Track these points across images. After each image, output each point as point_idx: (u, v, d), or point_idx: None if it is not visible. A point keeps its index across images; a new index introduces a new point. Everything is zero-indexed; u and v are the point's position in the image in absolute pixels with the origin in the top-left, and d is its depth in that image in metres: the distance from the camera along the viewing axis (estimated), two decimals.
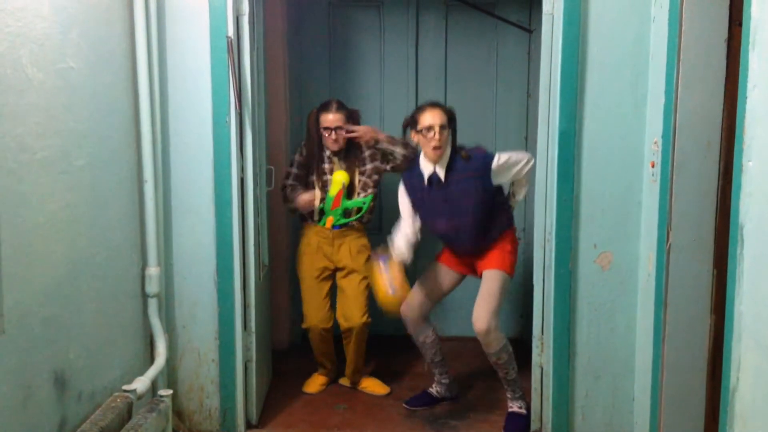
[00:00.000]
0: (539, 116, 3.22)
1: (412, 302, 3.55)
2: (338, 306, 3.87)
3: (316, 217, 3.78)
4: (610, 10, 3.01)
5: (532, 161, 3.40)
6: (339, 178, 3.68)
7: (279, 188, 3.87)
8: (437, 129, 3.27)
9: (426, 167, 3.40)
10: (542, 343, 3.31)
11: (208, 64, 3.13)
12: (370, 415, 3.68)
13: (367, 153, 3.75)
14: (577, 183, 3.11)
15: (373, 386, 4.02)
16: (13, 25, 2.12)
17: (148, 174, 3.05)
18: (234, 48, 3.13)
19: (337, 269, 3.85)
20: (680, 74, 2.66)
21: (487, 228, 3.43)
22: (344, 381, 4.07)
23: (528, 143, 4.60)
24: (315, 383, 3.97)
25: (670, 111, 2.73)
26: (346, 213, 3.75)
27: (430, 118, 3.29)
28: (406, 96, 4.65)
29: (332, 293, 3.90)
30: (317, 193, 3.74)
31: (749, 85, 2.06)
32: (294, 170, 3.83)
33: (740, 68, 2.13)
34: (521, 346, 4.51)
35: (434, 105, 3.36)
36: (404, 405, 3.76)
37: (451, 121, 3.37)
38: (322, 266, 3.82)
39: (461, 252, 3.53)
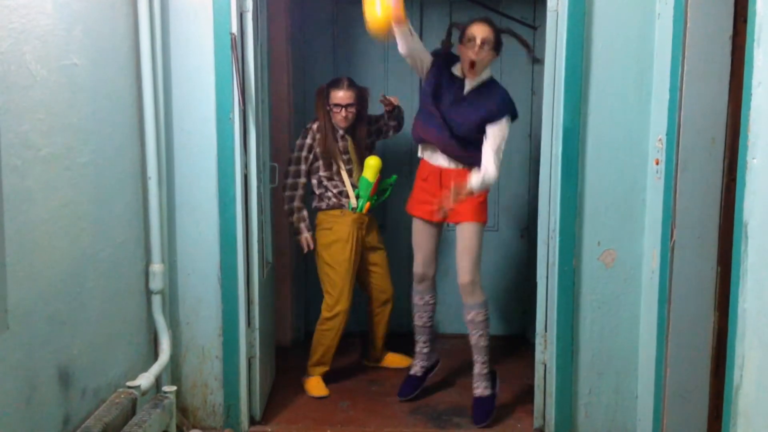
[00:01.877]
0: (543, 113, 3.22)
1: (424, 258, 3.67)
2: (373, 282, 4.04)
3: (353, 204, 3.82)
4: (615, 6, 3.01)
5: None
6: (374, 162, 3.80)
7: (282, 190, 3.86)
8: (478, 42, 3.26)
9: (457, 69, 3.43)
10: (545, 340, 3.31)
11: (211, 60, 3.13)
12: (374, 412, 3.68)
13: (369, 128, 3.96)
14: (581, 180, 3.11)
15: (397, 360, 4.24)
16: (16, 21, 2.12)
17: (152, 170, 3.05)
18: (238, 45, 3.13)
19: (364, 249, 3.97)
20: (685, 71, 2.66)
21: (464, 150, 3.42)
22: (368, 362, 4.28)
23: (532, 141, 4.60)
24: (320, 385, 3.88)
25: (675, 108, 2.72)
26: (378, 195, 3.91)
27: (475, 29, 3.29)
28: (410, 93, 4.64)
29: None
30: (345, 177, 3.82)
31: (754, 82, 2.06)
32: (300, 167, 3.82)
33: (745, 65, 2.13)
34: (524, 343, 4.52)
35: (485, 20, 3.34)
36: (398, 397, 3.81)
37: (498, 45, 3.36)
38: (357, 253, 3.88)
39: (434, 148, 3.49)
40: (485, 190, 3.40)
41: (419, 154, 3.64)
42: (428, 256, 3.68)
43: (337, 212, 3.83)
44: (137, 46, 2.97)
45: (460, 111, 3.38)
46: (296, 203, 3.82)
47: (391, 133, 4.03)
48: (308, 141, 3.81)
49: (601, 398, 3.27)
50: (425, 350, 3.87)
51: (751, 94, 2.07)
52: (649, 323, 3.04)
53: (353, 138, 3.87)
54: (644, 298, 3.14)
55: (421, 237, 3.67)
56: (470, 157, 3.41)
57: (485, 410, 3.54)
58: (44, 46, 2.28)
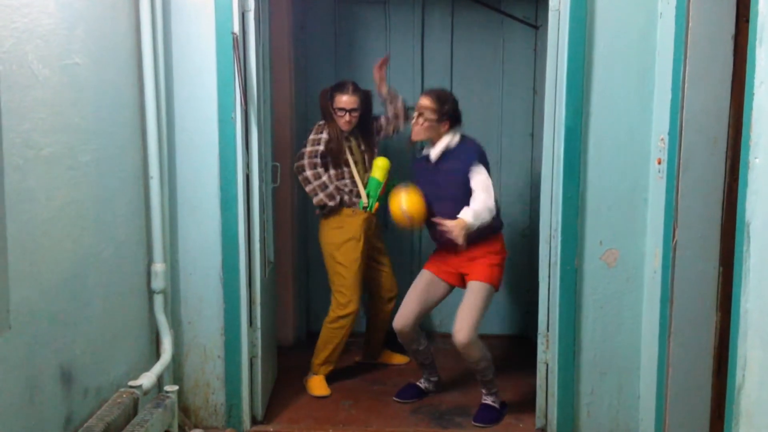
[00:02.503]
0: (545, 113, 3.21)
1: (407, 315, 3.58)
2: (381, 280, 4.07)
3: (365, 203, 3.83)
4: (617, 5, 3.00)
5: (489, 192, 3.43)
6: (383, 163, 3.84)
7: (305, 183, 3.79)
8: (417, 113, 3.47)
9: (426, 148, 3.60)
10: (547, 340, 3.31)
11: (213, 60, 3.13)
12: (376, 412, 3.68)
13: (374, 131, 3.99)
14: (583, 179, 3.11)
15: (397, 358, 4.31)
16: (19, 21, 2.12)
17: (154, 170, 3.05)
18: (239, 45, 3.13)
19: (371, 249, 3.99)
20: (687, 70, 2.66)
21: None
22: (364, 360, 4.31)
23: (534, 140, 4.60)
24: (322, 385, 3.89)
25: (677, 107, 2.72)
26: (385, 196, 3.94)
27: (419, 102, 3.50)
28: (411, 93, 4.63)
29: None
30: (357, 177, 3.85)
31: (756, 82, 2.05)
32: (316, 159, 3.78)
33: (747, 64, 2.13)
34: (526, 342, 4.52)
35: (427, 92, 3.54)
36: (394, 398, 3.82)
37: (443, 107, 3.46)
38: (367, 252, 3.89)
39: (447, 244, 3.48)
40: (483, 222, 3.35)
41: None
42: (413, 311, 3.57)
43: (348, 211, 3.83)
44: (139, 45, 2.97)
45: (445, 181, 3.48)
46: (332, 191, 3.79)
47: (391, 129, 4.00)
48: (323, 136, 3.79)
49: (603, 398, 3.27)
50: (432, 379, 3.89)
51: (753, 94, 2.07)
52: (652, 323, 3.04)
53: (356, 140, 3.89)
54: (646, 297, 3.13)
55: (418, 288, 3.61)
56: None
57: (489, 416, 3.55)
58: (46, 46, 2.28)
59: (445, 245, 3.51)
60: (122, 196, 2.87)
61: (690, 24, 2.63)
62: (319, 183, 3.76)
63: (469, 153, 3.45)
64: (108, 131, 2.73)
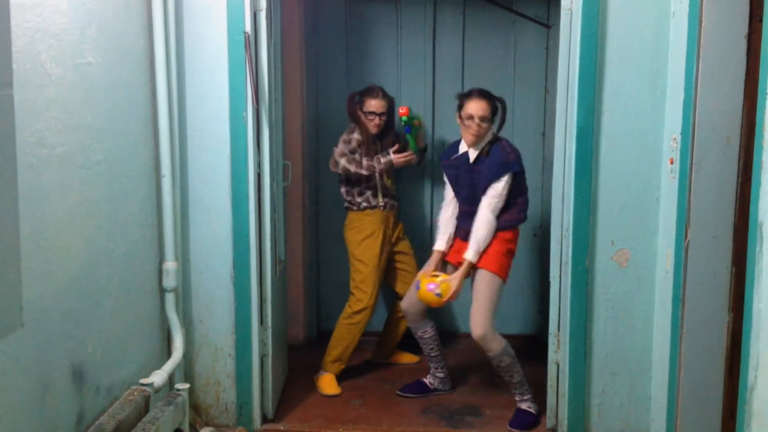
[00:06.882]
0: (557, 112, 3.21)
1: (412, 297, 3.64)
2: (401, 284, 4.06)
3: (381, 204, 3.88)
4: (630, 5, 2.99)
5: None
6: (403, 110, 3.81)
7: (357, 166, 3.83)
8: (477, 120, 3.40)
9: (462, 146, 3.55)
10: (558, 340, 3.30)
11: (225, 59, 3.14)
12: (386, 411, 3.68)
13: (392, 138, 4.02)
14: (595, 179, 3.10)
15: (407, 358, 4.33)
16: (32, 20, 2.14)
17: (166, 169, 3.06)
18: (251, 44, 3.14)
19: (393, 251, 4.04)
20: (700, 70, 2.64)
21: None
22: (377, 359, 4.32)
23: (545, 139, 4.59)
24: (333, 384, 3.90)
25: (690, 107, 2.71)
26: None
27: (473, 108, 3.41)
28: (423, 92, 4.64)
29: None
30: (377, 180, 3.88)
31: None
32: (347, 154, 3.84)
33: (761, 64, 2.11)
34: (538, 342, 4.51)
35: (481, 96, 3.45)
36: (397, 392, 3.85)
37: (495, 113, 3.49)
38: (386, 251, 3.94)
39: (465, 233, 3.53)
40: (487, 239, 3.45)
41: None
42: (416, 294, 3.60)
43: (368, 210, 3.91)
44: (151, 44, 2.99)
45: (476, 182, 3.49)
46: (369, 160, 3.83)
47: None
48: (355, 136, 3.84)
49: (614, 398, 3.26)
50: (439, 374, 3.89)
51: (766, 93, 2.06)
52: (663, 323, 3.03)
53: (384, 144, 3.94)
54: (658, 297, 3.12)
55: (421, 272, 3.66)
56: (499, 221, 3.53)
57: (525, 420, 3.50)
58: (59, 45, 2.30)
59: (462, 224, 3.58)
60: (134, 194, 2.88)
61: (703, 23, 2.62)
62: (358, 161, 3.81)
63: (500, 160, 3.41)
64: (120, 130, 2.74)
